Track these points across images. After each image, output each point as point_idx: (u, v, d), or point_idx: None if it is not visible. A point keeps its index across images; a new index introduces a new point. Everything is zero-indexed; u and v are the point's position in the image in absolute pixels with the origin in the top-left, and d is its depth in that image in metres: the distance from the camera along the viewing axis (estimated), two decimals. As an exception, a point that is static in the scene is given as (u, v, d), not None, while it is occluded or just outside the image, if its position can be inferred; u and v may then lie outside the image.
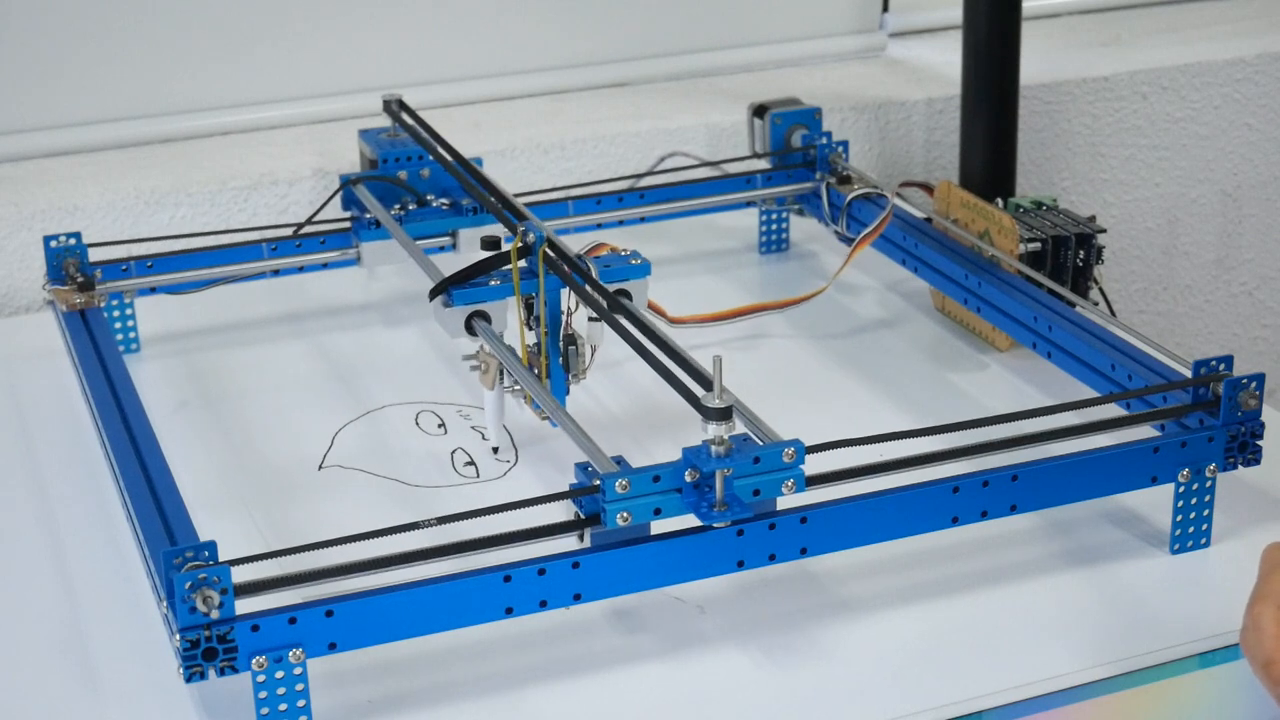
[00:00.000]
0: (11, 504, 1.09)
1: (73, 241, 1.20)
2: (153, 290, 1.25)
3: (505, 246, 1.08)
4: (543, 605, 0.89)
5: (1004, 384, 1.22)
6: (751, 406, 0.99)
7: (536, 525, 0.90)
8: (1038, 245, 1.22)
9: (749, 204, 1.41)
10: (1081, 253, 1.23)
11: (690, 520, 0.91)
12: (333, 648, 0.86)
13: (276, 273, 1.28)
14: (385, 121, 1.38)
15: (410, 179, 1.31)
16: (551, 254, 1.07)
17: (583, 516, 0.91)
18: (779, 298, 1.32)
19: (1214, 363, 1.01)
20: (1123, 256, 1.79)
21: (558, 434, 1.11)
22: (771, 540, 0.92)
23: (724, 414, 0.88)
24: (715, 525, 0.90)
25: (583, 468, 0.93)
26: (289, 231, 1.30)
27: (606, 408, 1.19)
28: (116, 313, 1.26)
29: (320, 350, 1.29)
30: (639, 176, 1.49)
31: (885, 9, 1.78)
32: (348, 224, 1.29)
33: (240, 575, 0.84)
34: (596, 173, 1.55)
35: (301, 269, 1.29)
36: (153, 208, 1.43)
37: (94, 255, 1.23)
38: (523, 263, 1.07)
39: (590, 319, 1.09)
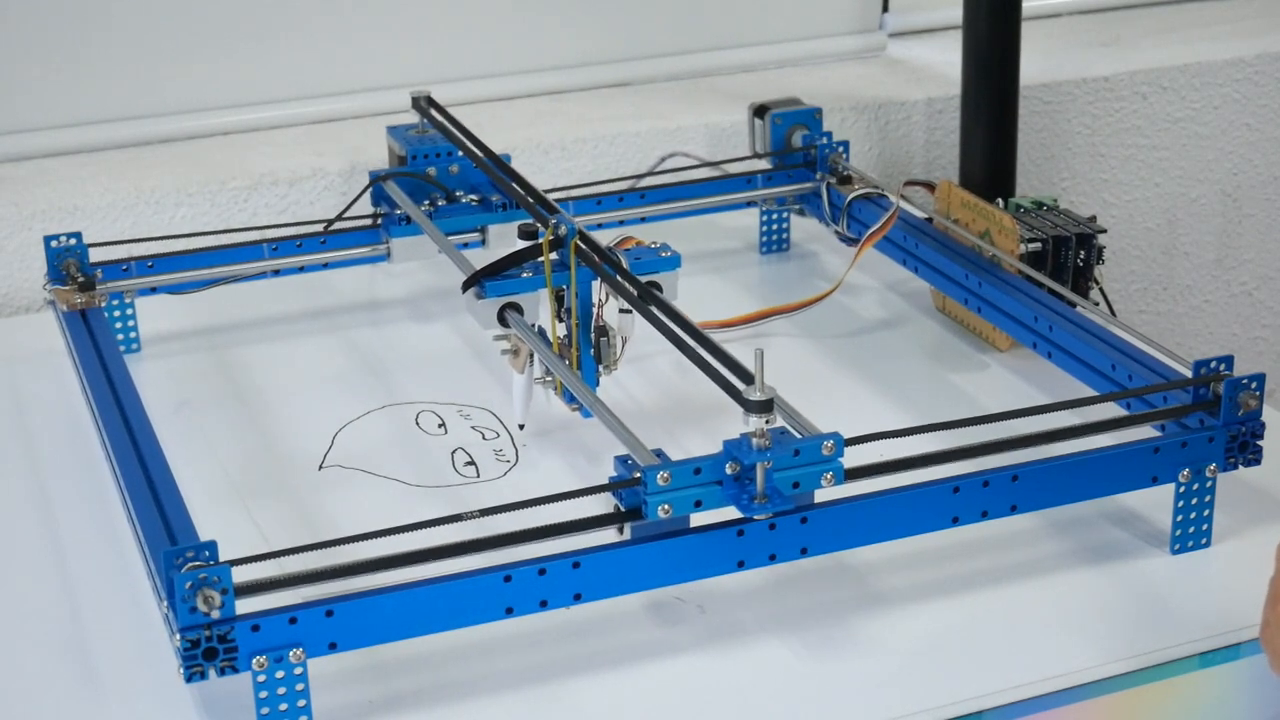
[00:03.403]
0: (11, 504, 1.09)
1: (73, 241, 1.20)
2: (153, 290, 1.25)
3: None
4: (543, 605, 0.89)
5: (1004, 384, 1.22)
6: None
7: (576, 519, 0.90)
8: (1038, 245, 1.23)
9: (750, 204, 1.42)
10: (1082, 253, 1.23)
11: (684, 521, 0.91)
12: (333, 648, 0.86)
13: (277, 272, 1.28)
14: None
15: (439, 175, 1.31)
16: (583, 246, 1.08)
17: (623, 509, 0.91)
18: (780, 297, 1.32)
19: (1214, 363, 1.01)
20: (1123, 256, 1.80)
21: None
22: (771, 540, 0.92)
23: (766, 406, 0.88)
24: (756, 518, 0.90)
25: (622, 460, 0.93)
26: (303, 230, 1.30)
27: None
28: (117, 313, 1.26)
29: (321, 350, 1.29)
30: (639, 176, 1.49)
31: (885, 9, 1.78)
32: (367, 221, 1.30)
33: (241, 575, 0.84)
34: (596, 173, 1.55)
35: (302, 268, 1.28)
36: (153, 208, 1.43)
37: (94, 255, 1.23)
38: (554, 255, 1.08)
39: (621, 311, 1.10)
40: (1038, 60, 1.70)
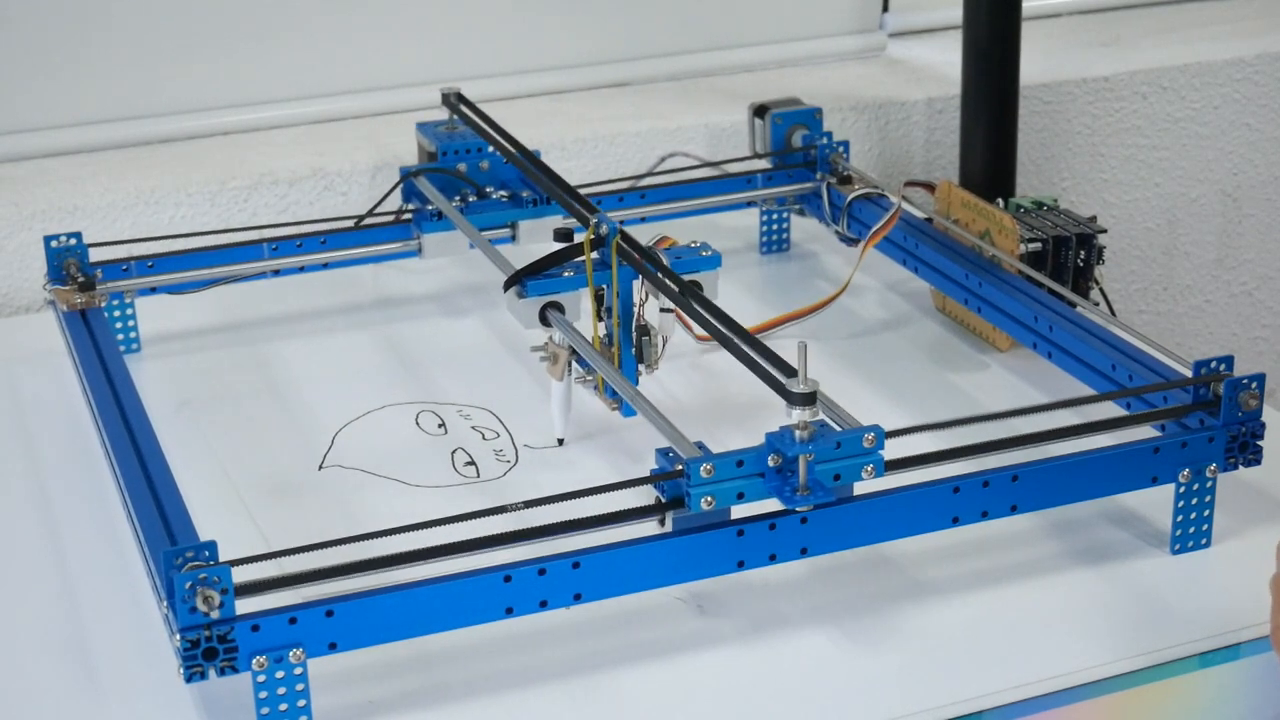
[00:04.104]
0: (11, 504, 1.09)
1: (73, 241, 1.20)
2: (153, 290, 1.25)
3: (577, 238, 1.09)
4: (543, 605, 0.89)
5: (1004, 384, 1.22)
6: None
7: (617, 510, 0.91)
8: (1038, 245, 1.22)
9: (750, 204, 1.42)
10: (1082, 253, 1.23)
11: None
12: (333, 648, 0.86)
13: (277, 272, 1.28)
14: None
15: (469, 171, 1.32)
16: (624, 245, 1.08)
17: (664, 501, 0.91)
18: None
19: (1214, 363, 1.01)
20: (1123, 256, 1.79)
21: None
22: (771, 540, 0.92)
23: (809, 399, 0.89)
24: (797, 509, 0.91)
25: (664, 453, 0.94)
26: (306, 227, 1.31)
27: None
28: (117, 313, 1.26)
29: (320, 350, 1.29)
30: (639, 177, 1.49)
31: (885, 9, 1.78)
32: (390, 218, 1.30)
33: (240, 575, 0.84)
34: (596, 173, 1.55)
35: (302, 267, 1.29)
36: (153, 208, 1.43)
37: (94, 255, 1.23)
38: (594, 254, 1.08)
39: (662, 310, 1.10)
40: (1038, 60, 1.70)
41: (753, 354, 0.97)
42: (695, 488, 0.89)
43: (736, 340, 0.99)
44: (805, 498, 0.89)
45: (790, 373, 0.91)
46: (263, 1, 1.53)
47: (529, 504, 0.90)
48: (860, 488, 0.94)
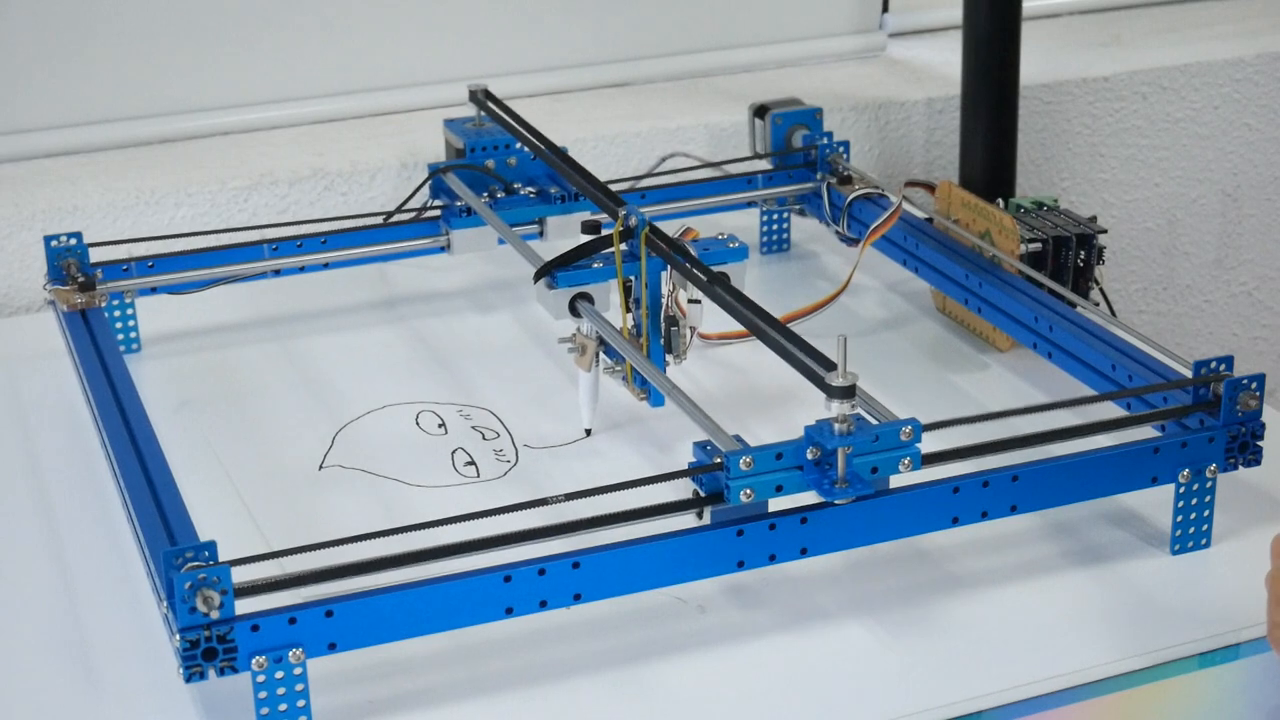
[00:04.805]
0: (12, 504, 1.09)
1: (73, 241, 1.20)
2: (153, 290, 1.25)
3: (605, 231, 1.10)
4: (543, 605, 0.89)
5: (1004, 384, 1.22)
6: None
7: (655, 504, 0.91)
8: (1038, 245, 1.22)
9: (750, 204, 1.42)
10: (1082, 253, 1.23)
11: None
12: (333, 648, 0.86)
13: (278, 272, 1.28)
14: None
15: (497, 168, 1.32)
16: (653, 238, 1.09)
17: (703, 494, 0.91)
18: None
19: (1214, 363, 1.01)
20: (1123, 256, 1.79)
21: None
22: (771, 540, 0.92)
23: (849, 392, 0.89)
24: (836, 502, 0.91)
25: (701, 446, 0.94)
26: (335, 224, 1.32)
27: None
28: (117, 313, 1.26)
29: (318, 350, 1.29)
30: (639, 177, 1.49)
31: (885, 9, 1.78)
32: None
33: (240, 575, 0.84)
34: (597, 173, 1.55)
35: (302, 267, 1.29)
36: (153, 208, 1.43)
37: (94, 255, 1.23)
38: (623, 246, 1.09)
39: (690, 301, 1.10)
40: (1038, 60, 1.70)
41: (790, 346, 0.97)
42: (735, 480, 0.89)
43: (772, 332, 0.99)
44: (844, 490, 0.90)
45: (828, 365, 0.91)
46: (262, 2, 1.53)
47: (570, 496, 0.90)
48: (860, 488, 0.94)
